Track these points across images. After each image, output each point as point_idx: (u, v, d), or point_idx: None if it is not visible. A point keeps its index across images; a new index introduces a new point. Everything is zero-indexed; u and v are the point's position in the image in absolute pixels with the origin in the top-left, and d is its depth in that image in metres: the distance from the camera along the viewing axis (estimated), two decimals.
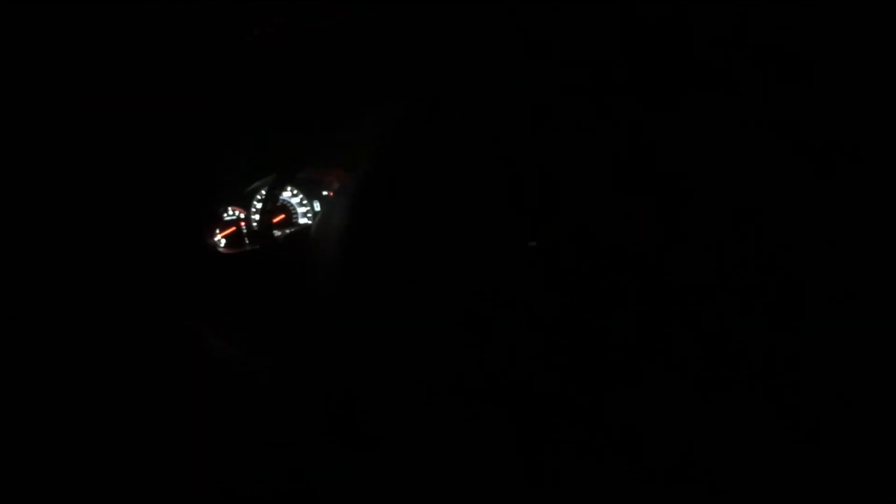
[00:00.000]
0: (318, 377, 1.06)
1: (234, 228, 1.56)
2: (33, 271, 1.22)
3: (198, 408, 1.14)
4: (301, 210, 1.63)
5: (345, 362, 0.98)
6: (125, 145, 1.35)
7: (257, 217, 1.56)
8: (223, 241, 1.54)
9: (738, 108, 0.82)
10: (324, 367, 1.03)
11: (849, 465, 0.79)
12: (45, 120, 1.26)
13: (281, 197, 1.60)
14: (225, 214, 1.56)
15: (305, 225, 1.62)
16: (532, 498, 0.86)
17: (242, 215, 1.57)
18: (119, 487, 1.04)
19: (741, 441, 0.81)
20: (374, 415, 0.93)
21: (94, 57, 1.23)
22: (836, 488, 0.79)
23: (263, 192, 1.56)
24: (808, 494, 0.79)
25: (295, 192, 1.62)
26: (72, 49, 1.19)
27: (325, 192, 1.64)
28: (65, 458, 1.07)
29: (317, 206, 1.63)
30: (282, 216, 1.61)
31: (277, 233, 1.57)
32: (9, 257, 1.21)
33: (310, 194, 1.63)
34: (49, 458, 1.06)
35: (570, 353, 0.87)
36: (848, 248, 0.80)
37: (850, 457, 0.79)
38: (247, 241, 1.57)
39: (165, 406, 1.13)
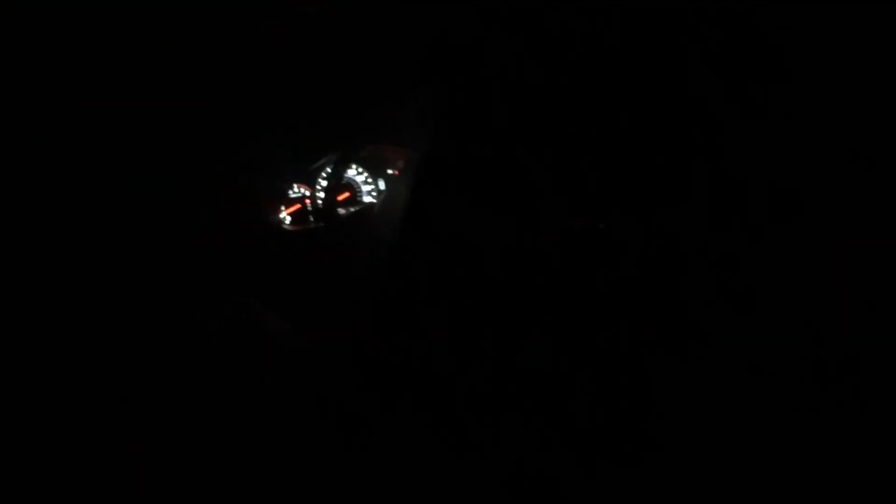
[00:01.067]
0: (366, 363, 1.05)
1: (298, 206, 1.56)
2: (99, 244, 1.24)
3: (244, 382, 1.14)
4: (366, 188, 1.62)
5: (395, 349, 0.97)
6: (191, 120, 1.37)
7: (322, 195, 1.56)
8: (288, 219, 1.55)
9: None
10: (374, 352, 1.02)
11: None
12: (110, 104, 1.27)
13: (345, 175, 1.59)
14: (290, 191, 1.56)
15: (370, 203, 1.61)
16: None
17: (308, 192, 1.57)
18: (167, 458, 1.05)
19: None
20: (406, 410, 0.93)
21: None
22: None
23: (328, 169, 1.56)
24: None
25: (360, 169, 1.61)
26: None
27: (389, 171, 1.63)
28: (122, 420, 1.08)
29: (381, 185, 1.62)
30: (346, 194, 1.60)
31: (342, 211, 1.56)
32: (74, 236, 1.22)
33: (375, 172, 1.62)
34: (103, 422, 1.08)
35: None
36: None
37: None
38: (311, 219, 1.57)
39: (220, 379, 1.14)
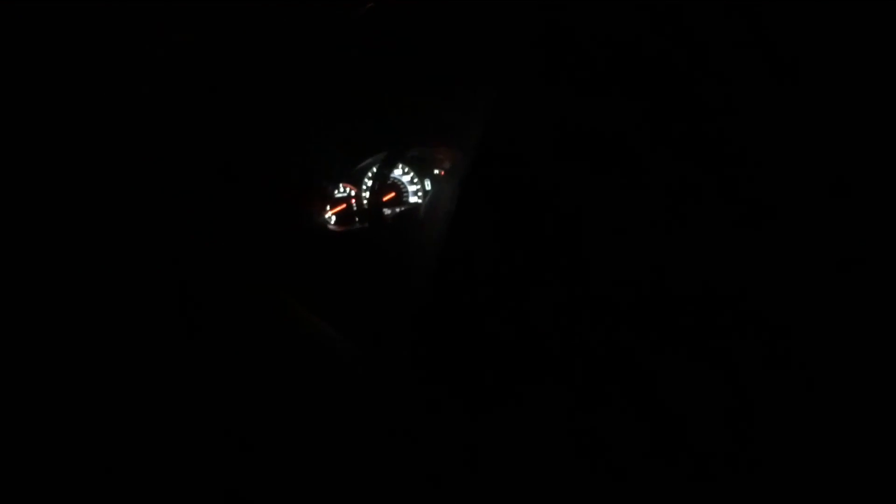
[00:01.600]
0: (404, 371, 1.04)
1: (344, 206, 1.56)
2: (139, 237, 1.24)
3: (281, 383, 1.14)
4: (411, 189, 1.61)
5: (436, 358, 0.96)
6: (239, 118, 1.37)
7: (367, 195, 1.55)
8: (333, 218, 1.54)
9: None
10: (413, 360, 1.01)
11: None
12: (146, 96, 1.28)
13: (391, 175, 1.58)
14: (336, 191, 1.55)
15: (415, 204, 1.59)
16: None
17: (353, 192, 1.56)
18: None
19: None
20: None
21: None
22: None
23: (374, 169, 1.55)
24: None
25: (406, 170, 1.60)
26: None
27: (436, 171, 1.61)
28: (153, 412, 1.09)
29: (427, 185, 1.61)
30: (392, 194, 1.59)
31: (387, 211, 1.55)
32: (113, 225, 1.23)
33: (421, 173, 1.61)
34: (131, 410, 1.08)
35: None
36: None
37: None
38: (356, 219, 1.56)
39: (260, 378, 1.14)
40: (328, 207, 1.54)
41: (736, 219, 0.79)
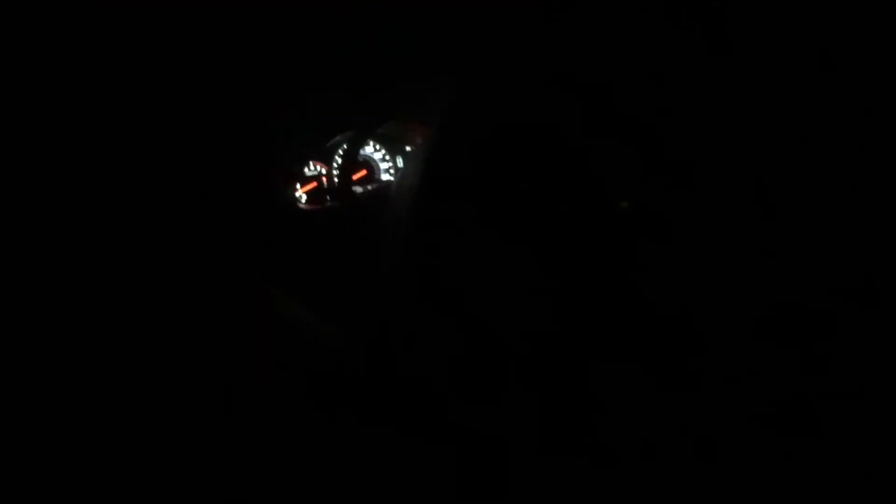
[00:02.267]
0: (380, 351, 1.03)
1: (315, 184, 1.53)
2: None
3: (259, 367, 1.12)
4: (383, 166, 1.58)
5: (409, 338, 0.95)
6: (204, 98, 1.34)
7: (338, 173, 1.52)
8: (304, 197, 1.52)
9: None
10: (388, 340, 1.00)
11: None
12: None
13: (362, 152, 1.56)
14: (306, 169, 1.52)
15: (387, 181, 1.57)
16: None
17: (324, 171, 1.53)
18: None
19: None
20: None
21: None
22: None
23: (345, 146, 1.52)
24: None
25: (377, 147, 1.58)
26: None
27: (408, 148, 1.59)
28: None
29: (399, 163, 1.59)
30: (363, 172, 1.57)
31: (359, 189, 1.53)
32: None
33: (392, 150, 1.59)
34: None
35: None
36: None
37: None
38: (328, 198, 1.54)
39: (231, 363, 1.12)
40: (298, 186, 1.51)
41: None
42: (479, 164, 0.89)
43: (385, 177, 1.58)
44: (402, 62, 1.45)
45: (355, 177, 1.54)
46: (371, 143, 1.57)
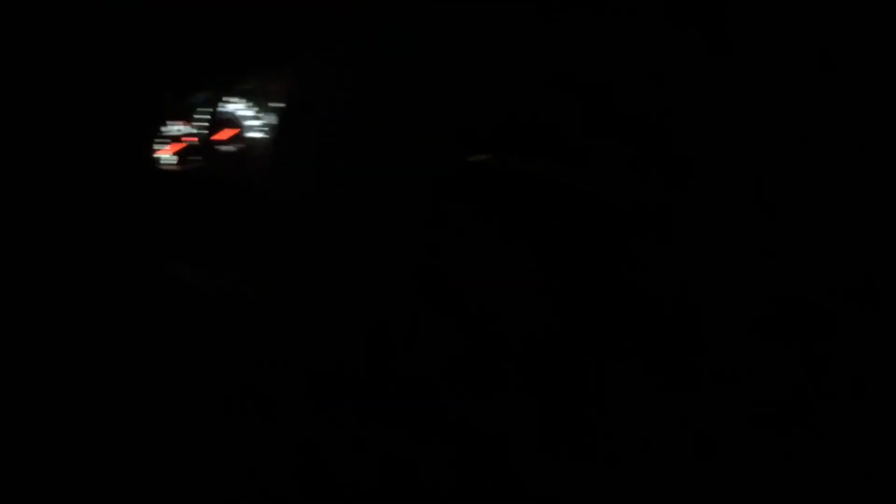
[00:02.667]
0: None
1: (183, 144, 1.42)
2: None
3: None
4: (253, 123, 1.48)
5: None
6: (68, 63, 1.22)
7: (203, 131, 1.41)
8: (174, 158, 1.46)
9: None
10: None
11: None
12: None
13: (230, 110, 1.44)
14: (174, 130, 1.48)
15: (258, 138, 1.47)
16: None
17: (192, 130, 1.41)
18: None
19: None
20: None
21: None
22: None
23: (208, 104, 1.43)
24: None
25: (247, 104, 1.46)
26: None
27: (278, 105, 1.49)
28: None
29: (271, 119, 1.48)
30: (234, 130, 1.45)
31: (231, 147, 1.42)
32: None
33: (260, 106, 1.48)
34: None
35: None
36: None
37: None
38: (196, 157, 1.43)
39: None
40: (166, 147, 1.47)
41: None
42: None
43: (254, 134, 1.51)
44: (268, 19, 1.35)
45: (227, 136, 1.47)
46: (238, 100, 1.50)
